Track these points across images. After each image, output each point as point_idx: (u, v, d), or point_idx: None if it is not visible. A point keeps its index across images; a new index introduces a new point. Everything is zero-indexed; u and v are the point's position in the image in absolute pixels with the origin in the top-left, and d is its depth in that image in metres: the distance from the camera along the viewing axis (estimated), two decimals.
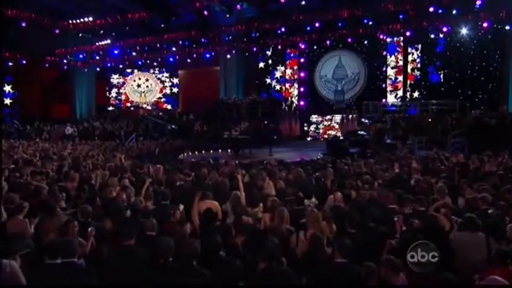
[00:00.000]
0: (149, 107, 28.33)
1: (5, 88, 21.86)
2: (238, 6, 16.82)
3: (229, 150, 16.69)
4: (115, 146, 15.79)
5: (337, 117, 21.53)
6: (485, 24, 18.07)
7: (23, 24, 17.96)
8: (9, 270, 3.61)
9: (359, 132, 16.64)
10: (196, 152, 16.62)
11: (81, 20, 20.09)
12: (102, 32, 20.62)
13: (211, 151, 17.06)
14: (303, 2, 16.06)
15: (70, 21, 20.21)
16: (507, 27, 17.91)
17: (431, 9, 16.72)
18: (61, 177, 8.54)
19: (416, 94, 21.51)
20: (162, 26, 19.06)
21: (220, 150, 17.02)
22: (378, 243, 4.23)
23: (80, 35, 21.61)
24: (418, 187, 6.40)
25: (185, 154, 16.11)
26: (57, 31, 20.10)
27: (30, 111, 25.49)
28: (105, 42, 22.74)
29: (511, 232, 4.12)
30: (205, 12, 16.89)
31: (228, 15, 16.98)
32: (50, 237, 4.67)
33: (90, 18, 19.88)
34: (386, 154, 11.67)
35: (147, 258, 3.94)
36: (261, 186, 6.67)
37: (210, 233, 4.10)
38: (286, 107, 21.81)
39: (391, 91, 22.04)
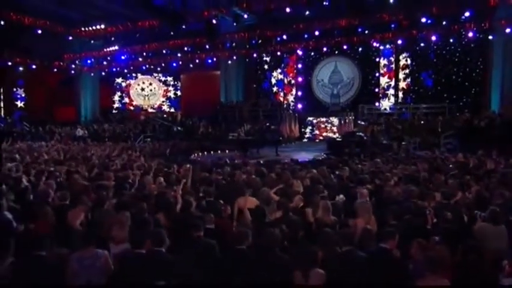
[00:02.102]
0: (153, 110, 28.44)
1: (18, 91, 21.86)
2: (245, 15, 17.18)
3: (235, 151, 16.95)
4: (129, 147, 15.91)
5: (333, 119, 21.91)
6: (470, 34, 18.81)
7: (39, 32, 18.03)
8: (104, 259, 3.91)
9: (357, 133, 17.03)
10: (205, 153, 16.82)
11: (93, 27, 20.16)
12: (113, 39, 20.73)
13: (219, 152, 17.30)
14: (307, 12, 16.48)
15: (83, 29, 20.28)
16: (490, 37, 18.63)
17: (423, 20, 17.28)
18: (92, 176, 8.75)
19: (404, 97, 22.17)
20: (172, 33, 19.28)
21: (227, 151, 17.25)
22: (414, 233, 4.62)
23: (92, 41, 21.66)
24: (433, 185, 6.80)
25: (195, 155, 16.28)
26: (70, 38, 20.18)
27: (36, 114, 25.41)
28: (112, 48, 22.80)
29: None
30: (214, 21, 17.16)
31: (235, 24, 17.26)
32: (114, 231, 4.97)
33: (102, 26, 19.99)
34: (391, 154, 12.08)
35: (217, 248, 4.25)
36: (291, 184, 6.96)
37: (273, 226, 4.40)
38: (285, 110, 22.19)
39: (383, 95, 22.62)
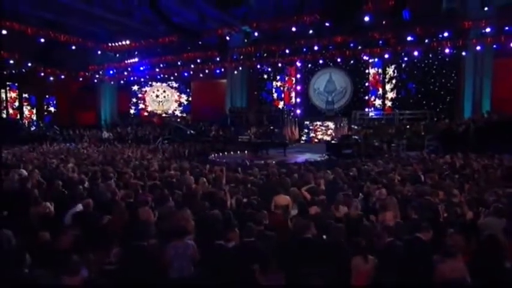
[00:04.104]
0: (166, 115, 28.64)
1: (49, 99, 21.87)
2: (255, 33, 17.62)
3: (246, 152, 17.20)
4: (155, 149, 16.13)
5: (328, 123, 22.21)
6: (446, 50, 19.51)
7: (72, 47, 18.28)
8: (192, 248, 4.29)
9: (352, 136, 17.42)
10: (220, 154, 17.02)
11: (119, 43, 20.40)
12: (136, 52, 20.97)
13: (231, 152, 17.55)
14: (311, 31, 16.98)
15: (110, 44, 20.49)
16: (463, 53, 19.40)
17: (408, 38, 17.92)
18: (137, 176, 8.97)
19: (390, 104, 22.79)
20: (189, 48, 19.61)
21: (238, 152, 17.48)
22: (432, 225, 5.05)
23: (117, 55, 21.84)
24: (437, 184, 7.22)
25: (212, 156, 16.37)
26: (99, 52, 20.43)
27: (61, 118, 25.52)
28: (132, 60, 22.98)
29: None
30: (227, 38, 17.55)
31: (245, 40, 17.66)
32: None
33: (127, 42, 20.22)
34: (387, 156, 12.50)
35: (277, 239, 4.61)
36: (318, 183, 7.32)
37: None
38: (287, 115, 22.58)
39: (372, 103, 23.20)
